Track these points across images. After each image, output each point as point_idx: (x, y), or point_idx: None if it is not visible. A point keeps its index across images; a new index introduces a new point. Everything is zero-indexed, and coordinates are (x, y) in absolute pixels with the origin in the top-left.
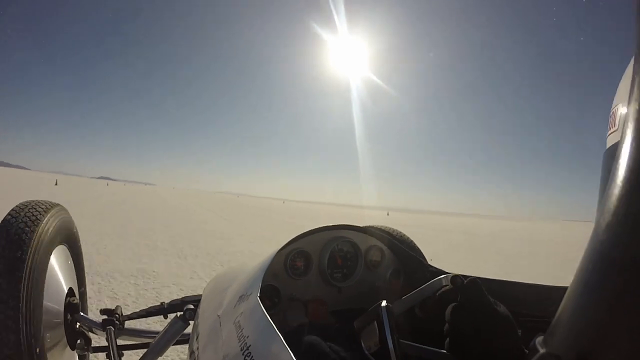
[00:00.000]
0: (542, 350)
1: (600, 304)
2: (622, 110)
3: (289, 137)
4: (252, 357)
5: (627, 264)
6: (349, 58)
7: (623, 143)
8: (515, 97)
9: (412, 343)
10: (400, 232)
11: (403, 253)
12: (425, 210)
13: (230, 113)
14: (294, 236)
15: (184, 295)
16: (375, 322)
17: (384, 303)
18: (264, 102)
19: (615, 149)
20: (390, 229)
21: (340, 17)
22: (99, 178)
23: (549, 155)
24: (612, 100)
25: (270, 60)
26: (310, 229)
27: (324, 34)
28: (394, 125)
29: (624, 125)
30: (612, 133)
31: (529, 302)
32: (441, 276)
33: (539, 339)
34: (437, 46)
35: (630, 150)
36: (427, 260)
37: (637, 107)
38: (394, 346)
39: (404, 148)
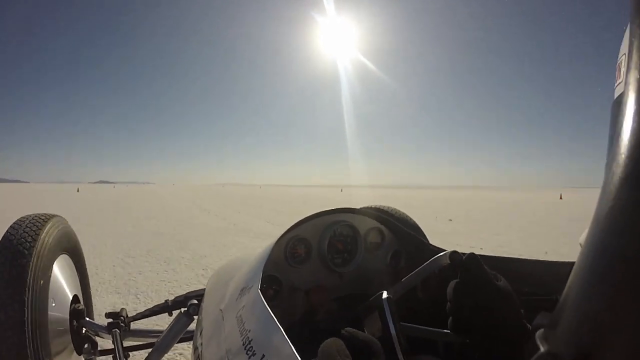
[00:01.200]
0: (542, 349)
1: (601, 297)
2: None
3: (281, 124)
4: (253, 351)
5: (629, 254)
6: (338, 39)
7: (624, 120)
8: (510, 67)
9: (415, 325)
10: (400, 211)
11: (403, 233)
12: (430, 186)
13: (220, 103)
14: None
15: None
16: (377, 313)
17: (384, 295)
18: (253, 89)
19: (620, 101)
20: (389, 207)
21: None
22: (97, 183)
23: (541, 127)
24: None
25: (259, 46)
26: (308, 215)
27: (313, 15)
28: (384, 105)
29: (623, 94)
30: (618, 84)
31: (533, 279)
32: (439, 254)
33: (539, 333)
34: (425, 24)
35: (632, 129)
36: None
37: (637, 77)
38: (396, 336)
39: (393, 126)
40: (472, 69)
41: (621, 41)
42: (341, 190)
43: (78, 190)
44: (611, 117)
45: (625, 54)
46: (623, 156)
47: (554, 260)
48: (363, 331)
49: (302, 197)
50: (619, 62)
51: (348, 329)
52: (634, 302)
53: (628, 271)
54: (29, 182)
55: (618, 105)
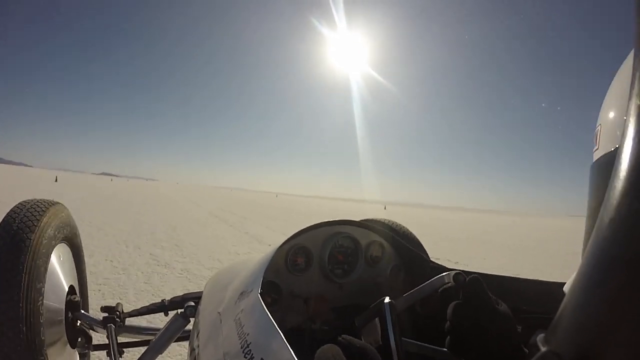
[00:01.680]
0: (543, 349)
1: (602, 301)
2: (603, 130)
3: (290, 132)
4: (252, 354)
5: (630, 260)
6: (349, 53)
7: (625, 140)
8: (518, 90)
9: (413, 341)
10: (403, 226)
11: (404, 248)
12: (427, 205)
13: (231, 109)
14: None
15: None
16: (377, 319)
17: (387, 299)
18: (265, 98)
19: (598, 165)
20: (392, 222)
21: (339, 13)
22: (100, 174)
23: (547, 152)
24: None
25: (270, 56)
26: (310, 225)
27: (323, 30)
28: (396, 120)
29: (624, 122)
30: (596, 150)
31: (531, 298)
32: (443, 273)
33: (540, 337)
34: (435, 40)
35: (632, 147)
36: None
37: (638, 103)
38: (395, 343)
39: (405, 142)
40: (493, 87)
41: (599, 111)
42: (385, 208)
43: (56, 180)
44: (590, 180)
45: (600, 124)
46: (624, 172)
47: (555, 280)
48: (360, 340)
49: (356, 214)
50: (596, 130)
51: (345, 336)
52: (634, 302)
53: (628, 273)
54: (32, 167)
55: (595, 168)
